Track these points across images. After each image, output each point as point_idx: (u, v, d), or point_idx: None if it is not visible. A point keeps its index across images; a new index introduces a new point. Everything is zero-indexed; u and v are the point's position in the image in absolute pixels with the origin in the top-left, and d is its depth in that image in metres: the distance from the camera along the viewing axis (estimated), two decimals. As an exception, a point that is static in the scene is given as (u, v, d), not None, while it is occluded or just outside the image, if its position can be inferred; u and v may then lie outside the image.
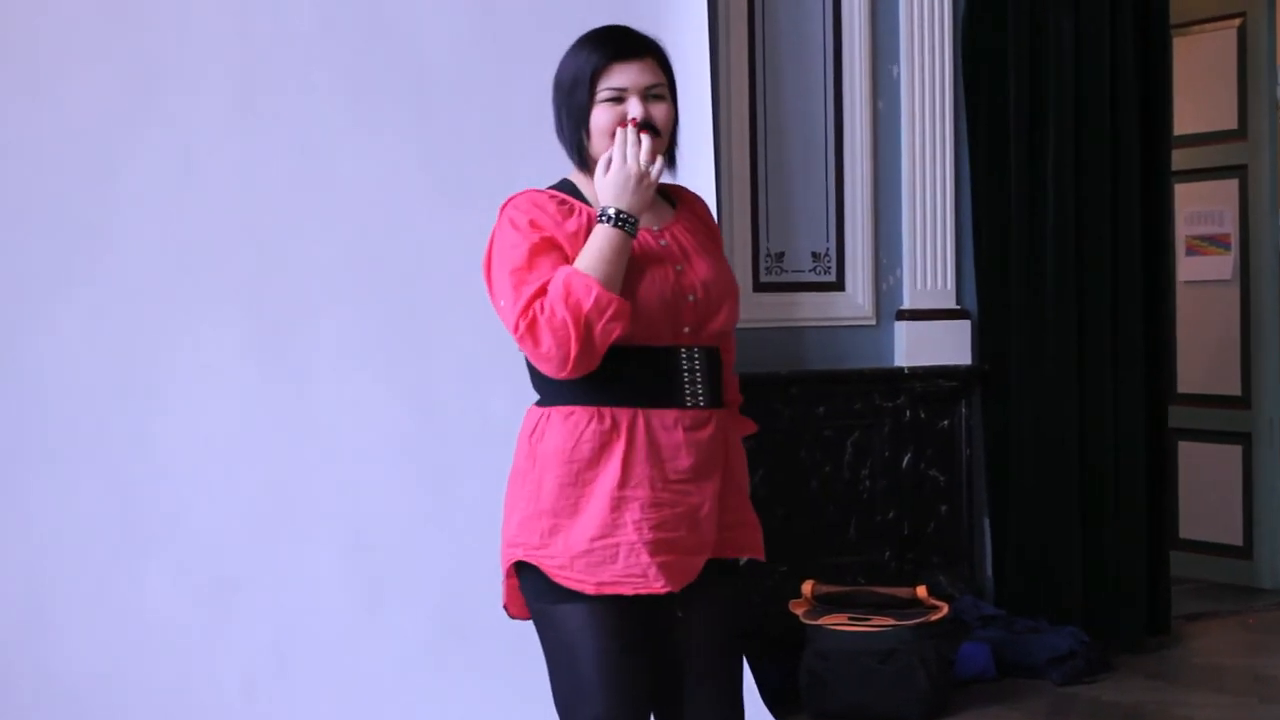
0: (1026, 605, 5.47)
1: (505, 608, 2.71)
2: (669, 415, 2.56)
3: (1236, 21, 6.58)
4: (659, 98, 2.61)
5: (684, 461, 2.56)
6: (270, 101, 4.23)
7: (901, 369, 5.48)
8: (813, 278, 5.40)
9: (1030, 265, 5.54)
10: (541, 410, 2.60)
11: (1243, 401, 6.67)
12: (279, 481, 4.20)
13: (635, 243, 2.55)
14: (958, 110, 5.57)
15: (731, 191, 5.18)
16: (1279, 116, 6.54)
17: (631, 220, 2.53)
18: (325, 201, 4.27)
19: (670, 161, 2.68)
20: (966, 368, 5.58)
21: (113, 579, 4.04)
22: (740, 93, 5.23)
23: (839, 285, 5.44)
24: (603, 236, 2.51)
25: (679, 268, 2.61)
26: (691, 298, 2.60)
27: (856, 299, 5.45)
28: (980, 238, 5.60)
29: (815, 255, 5.41)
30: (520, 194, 2.62)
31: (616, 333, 2.48)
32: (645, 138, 2.56)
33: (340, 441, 4.26)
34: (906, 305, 5.53)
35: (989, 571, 5.65)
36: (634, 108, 2.58)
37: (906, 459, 5.48)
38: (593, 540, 2.52)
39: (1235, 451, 6.67)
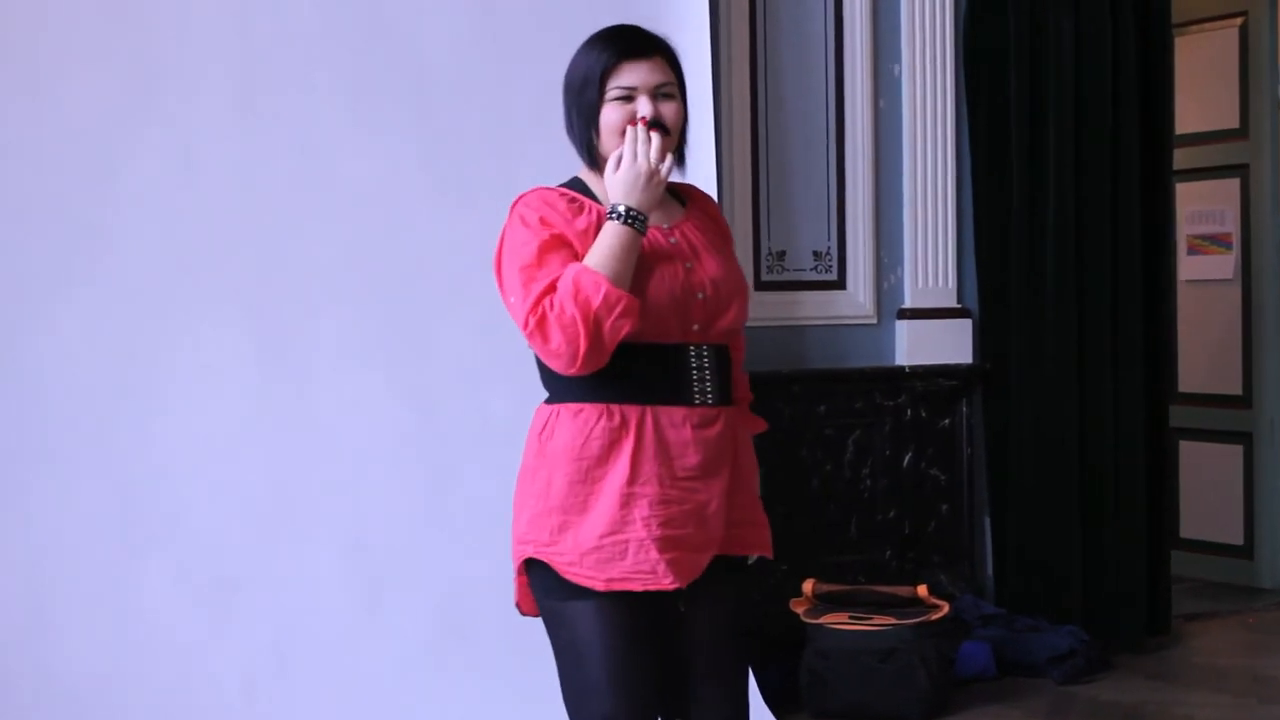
0: (1027, 604, 5.47)
1: (517, 605, 2.71)
2: (677, 413, 2.58)
3: (1238, 21, 6.57)
4: (668, 96, 2.63)
5: (692, 459, 2.57)
6: (270, 101, 4.23)
7: (902, 368, 5.48)
8: (814, 276, 5.40)
9: (1031, 264, 5.53)
10: (551, 408, 2.61)
11: (1243, 401, 6.67)
12: (279, 481, 4.20)
13: (645, 240, 2.56)
14: (958, 110, 5.57)
15: (733, 190, 5.18)
16: (1280, 115, 6.55)
17: (641, 218, 2.54)
18: (325, 201, 4.27)
19: (680, 160, 2.69)
20: (967, 367, 5.58)
21: (113, 579, 4.04)
22: (741, 92, 5.23)
23: (840, 284, 5.44)
24: (613, 234, 2.52)
25: (688, 265, 2.62)
26: (701, 295, 2.61)
27: (857, 298, 5.45)
28: (981, 237, 5.60)
29: (816, 254, 5.41)
30: (531, 191, 2.63)
31: (625, 329, 2.49)
32: (655, 136, 2.57)
33: (340, 441, 4.26)
34: (907, 304, 5.52)
35: (989, 570, 5.65)
36: (644, 106, 2.59)
37: (907, 458, 5.48)
38: (602, 537, 2.53)
39: (1236, 451, 6.66)
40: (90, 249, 4.06)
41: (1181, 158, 6.30)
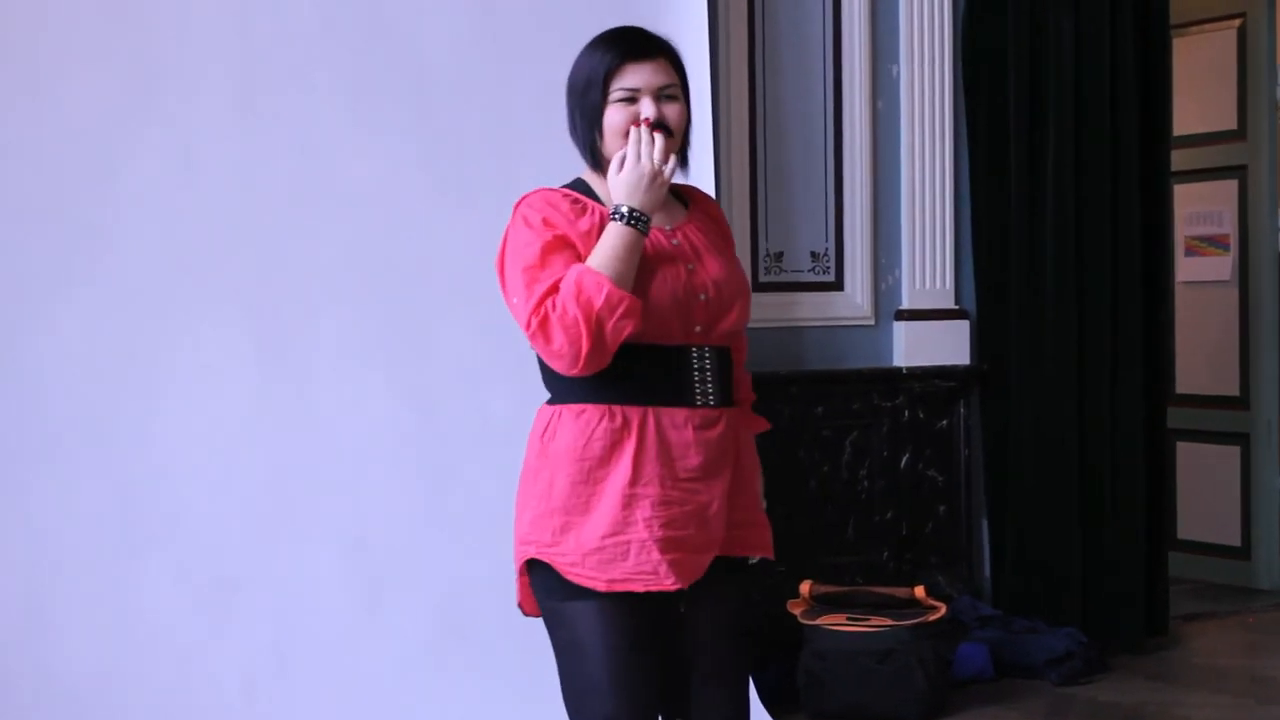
0: (1024, 605, 5.48)
1: (519, 606, 2.72)
2: (679, 414, 2.58)
3: (1236, 22, 6.58)
4: (672, 98, 2.63)
5: (693, 460, 2.58)
6: (270, 101, 4.23)
7: (900, 369, 5.48)
8: (812, 277, 5.41)
9: (1030, 265, 5.54)
10: (553, 409, 2.62)
11: (1241, 402, 6.67)
12: (279, 481, 4.20)
13: (647, 241, 2.56)
14: (957, 110, 5.57)
15: (731, 191, 5.18)
16: (1279, 117, 6.55)
17: (644, 219, 2.54)
18: (325, 201, 4.27)
19: (683, 161, 2.70)
20: (965, 368, 5.58)
21: (113, 579, 4.04)
22: (740, 93, 5.23)
23: (838, 285, 5.44)
24: (615, 234, 2.52)
25: (691, 267, 2.63)
26: (703, 297, 2.61)
27: (855, 299, 5.46)
28: (979, 238, 5.60)
29: (814, 255, 5.41)
30: (534, 192, 2.63)
31: (628, 330, 2.49)
32: (659, 137, 2.57)
33: (340, 441, 4.26)
34: (905, 305, 5.53)
35: (987, 572, 5.65)
36: (647, 108, 2.60)
37: (905, 459, 5.48)
38: (604, 538, 2.53)
39: (1234, 452, 6.67)
40: (90, 249, 4.06)
41: (1179, 159, 6.31)
